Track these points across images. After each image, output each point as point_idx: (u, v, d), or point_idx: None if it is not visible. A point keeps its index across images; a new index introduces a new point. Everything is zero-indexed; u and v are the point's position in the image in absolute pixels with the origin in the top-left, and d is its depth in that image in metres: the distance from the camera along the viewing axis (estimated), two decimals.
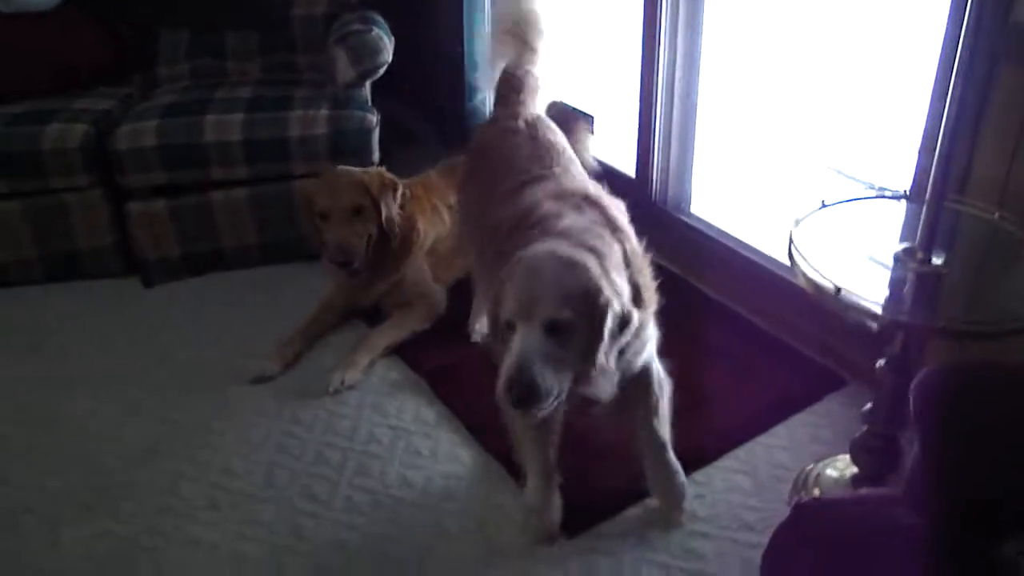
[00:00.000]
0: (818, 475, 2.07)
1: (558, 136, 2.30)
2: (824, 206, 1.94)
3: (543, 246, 1.70)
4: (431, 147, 3.70)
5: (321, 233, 2.65)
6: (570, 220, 1.80)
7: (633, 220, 1.93)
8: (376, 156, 3.11)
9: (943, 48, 1.93)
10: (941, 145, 1.63)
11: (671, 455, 2.01)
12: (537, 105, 2.46)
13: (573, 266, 1.63)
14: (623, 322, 1.67)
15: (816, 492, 2.04)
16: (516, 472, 2.11)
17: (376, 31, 3.12)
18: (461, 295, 2.75)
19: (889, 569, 1.30)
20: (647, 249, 1.89)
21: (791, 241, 1.80)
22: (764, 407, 2.35)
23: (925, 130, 2.04)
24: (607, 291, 1.63)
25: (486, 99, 3.60)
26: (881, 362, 1.87)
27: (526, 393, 1.58)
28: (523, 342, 1.59)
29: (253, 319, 2.86)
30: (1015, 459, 1.30)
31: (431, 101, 3.88)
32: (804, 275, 1.72)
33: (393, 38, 3.17)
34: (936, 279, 1.71)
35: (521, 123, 2.30)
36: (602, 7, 3.71)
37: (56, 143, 2.92)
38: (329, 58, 3.17)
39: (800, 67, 3.17)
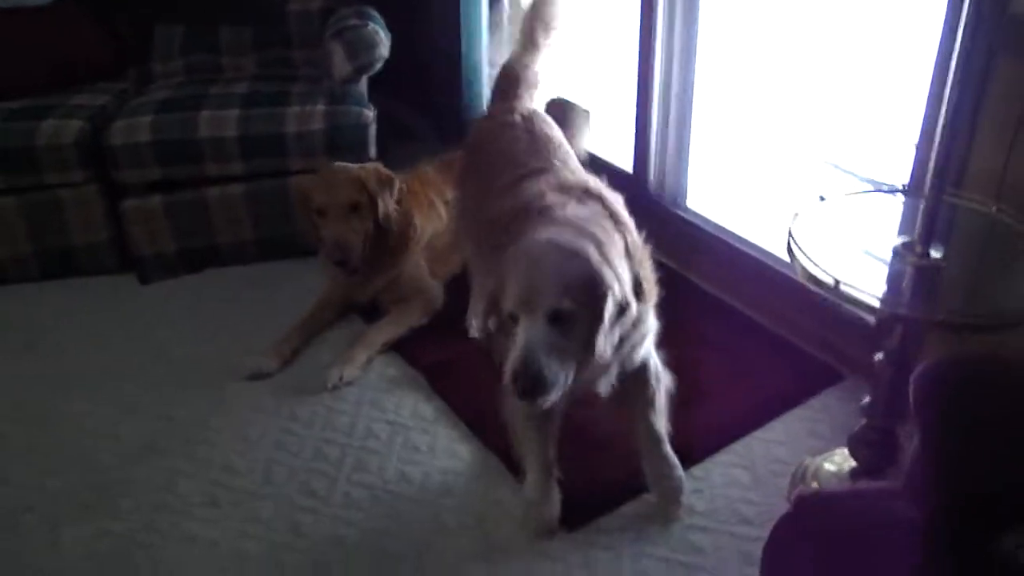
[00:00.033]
0: (816, 469, 2.07)
1: (555, 130, 2.29)
2: (822, 200, 1.94)
3: (542, 235, 1.70)
4: (428, 143, 3.69)
5: (318, 230, 2.64)
6: (572, 210, 1.80)
7: (631, 215, 1.92)
8: (373, 152, 3.10)
9: (941, 40, 1.92)
10: (940, 138, 1.63)
11: (668, 449, 2.01)
12: (535, 100, 2.46)
13: (573, 254, 1.64)
14: (622, 308, 1.67)
15: (814, 486, 2.04)
16: (514, 467, 2.11)
17: (372, 26, 3.11)
18: (458, 290, 2.75)
19: (888, 562, 1.30)
20: (645, 243, 1.89)
21: (790, 235, 1.80)
22: (761, 402, 2.35)
23: (923, 123, 2.03)
24: (607, 277, 1.64)
25: (483, 94, 3.59)
26: (879, 355, 1.87)
27: (532, 384, 1.59)
28: (527, 333, 1.60)
29: (250, 315, 2.86)
30: (1013, 453, 1.30)
31: (428, 97, 3.87)
32: (803, 268, 1.72)
33: (390, 33, 3.16)
34: (935, 272, 1.71)
35: (518, 117, 2.30)
36: (599, 2, 3.70)
37: (51, 139, 2.91)
38: (325, 53, 3.16)
39: (797, 61, 3.17)
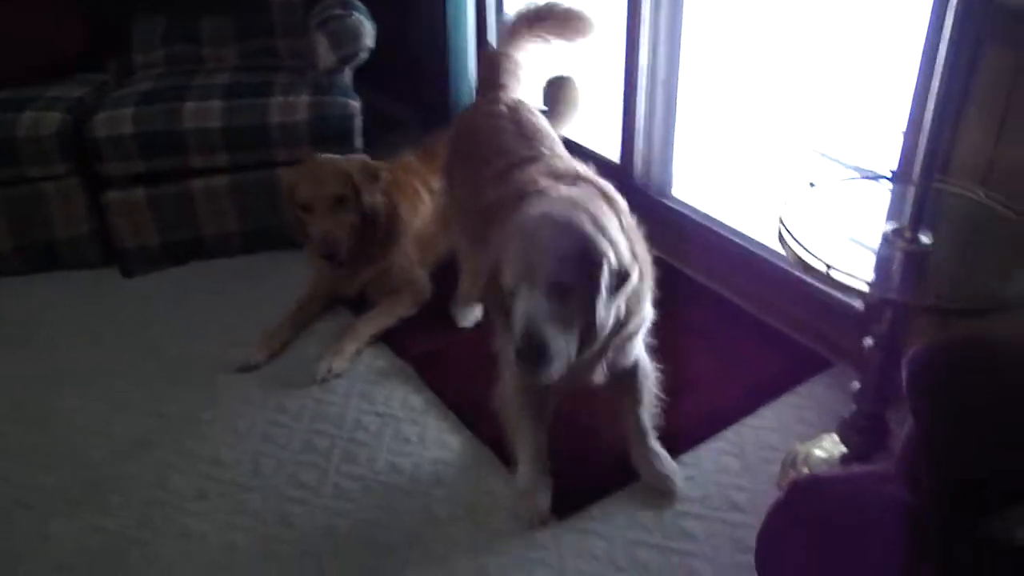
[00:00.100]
0: (806, 456, 2.08)
1: (540, 120, 2.30)
2: (812, 186, 1.95)
3: (536, 209, 1.73)
4: (414, 134, 3.67)
5: (304, 224, 2.61)
6: (567, 191, 1.82)
7: None
8: (359, 143, 3.08)
9: (929, 29, 1.93)
10: (930, 125, 1.63)
11: (654, 441, 2.07)
12: (519, 90, 2.45)
13: (568, 226, 1.66)
14: (621, 277, 1.69)
15: (805, 472, 2.05)
16: (505, 457, 2.11)
17: (356, 16, 3.08)
18: (445, 280, 2.74)
19: (879, 545, 1.32)
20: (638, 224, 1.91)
21: (781, 221, 1.81)
22: (750, 389, 2.37)
23: (911, 111, 2.04)
24: (602, 246, 1.66)
25: (470, 84, 3.58)
26: (868, 341, 1.88)
27: (538, 354, 1.61)
28: (528, 305, 1.62)
29: (236, 308, 2.84)
30: (1000, 438, 1.31)
31: (414, 87, 3.85)
32: (794, 254, 1.73)
33: (375, 24, 3.13)
34: (923, 257, 1.72)
35: (503, 107, 2.29)
36: None
37: (31, 131, 2.87)
38: (309, 43, 3.13)
39: (783, 50, 3.18)
